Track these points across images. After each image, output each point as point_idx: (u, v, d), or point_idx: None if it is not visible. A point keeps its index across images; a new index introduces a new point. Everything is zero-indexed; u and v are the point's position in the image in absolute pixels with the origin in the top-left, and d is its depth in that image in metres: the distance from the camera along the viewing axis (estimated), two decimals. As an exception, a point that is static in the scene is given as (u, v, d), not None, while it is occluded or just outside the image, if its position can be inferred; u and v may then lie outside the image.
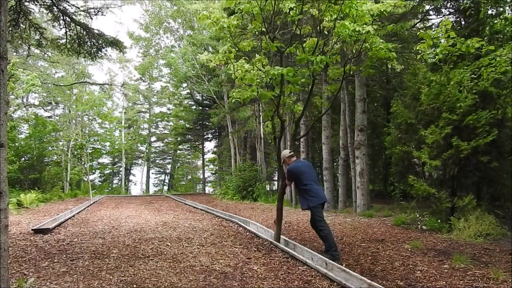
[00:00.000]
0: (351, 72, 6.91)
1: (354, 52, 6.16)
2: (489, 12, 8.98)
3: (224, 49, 6.24)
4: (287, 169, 6.21)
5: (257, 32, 6.47)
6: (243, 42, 6.49)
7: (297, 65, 8.22)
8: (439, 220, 7.98)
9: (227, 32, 6.14)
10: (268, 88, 6.78)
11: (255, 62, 6.30)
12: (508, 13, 8.63)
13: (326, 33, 6.50)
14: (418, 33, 6.93)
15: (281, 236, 6.70)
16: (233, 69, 6.32)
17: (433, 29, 8.99)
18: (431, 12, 11.47)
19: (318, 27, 6.45)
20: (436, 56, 6.34)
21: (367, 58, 6.29)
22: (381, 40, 5.74)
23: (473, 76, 7.63)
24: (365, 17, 5.65)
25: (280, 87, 6.32)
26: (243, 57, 6.55)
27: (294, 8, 5.77)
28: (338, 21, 5.79)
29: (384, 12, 5.71)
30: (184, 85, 30.39)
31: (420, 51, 6.46)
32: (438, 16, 11.61)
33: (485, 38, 8.52)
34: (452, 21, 6.58)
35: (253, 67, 6.25)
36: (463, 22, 9.99)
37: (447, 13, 10.99)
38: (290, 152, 6.35)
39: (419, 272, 4.91)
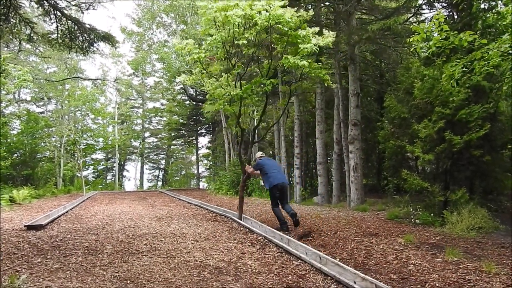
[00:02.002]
0: (296, 90, 9.49)
1: (297, 74, 7.92)
2: (482, 6, 8.99)
3: (196, 71, 8.11)
4: (256, 162, 8.27)
5: (223, 58, 8.13)
6: (211, 67, 8.15)
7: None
8: (432, 214, 8.02)
9: (198, 62, 7.79)
10: (231, 103, 8.45)
11: (221, 82, 8.01)
12: (501, 8, 8.65)
13: (280, 56, 7.67)
14: (411, 26, 6.96)
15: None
16: (206, 86, 8.12)
17: (426, 23, 9.01)
18: (424, 6, 11.49)
19: (270, 54, 8.05)
20: (429, 50, 6.33)
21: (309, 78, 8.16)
22: (319, 66, 7.49)
23: (465, 70, 7.66)
24: (303, 50, 7.01)
25: (240, 103, 8.17)
26: (214, 76, 8.36)
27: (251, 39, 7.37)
28: (289, 47, 7.50)
29: (316, 49, 7.06)
30: (178, 80, 30.16)
31: (413, 44, 6.47)
32: (431, 10, 11.65)
33: (478, 32, 8.54)
34: (445, 15, 6.57)
35: (220, 86, 7.99)
36: (455, 16, 10.02)
37: (440, 7, 11.01)
38: (261, 154, 8.50)
39: (412, 265, 4.95)
